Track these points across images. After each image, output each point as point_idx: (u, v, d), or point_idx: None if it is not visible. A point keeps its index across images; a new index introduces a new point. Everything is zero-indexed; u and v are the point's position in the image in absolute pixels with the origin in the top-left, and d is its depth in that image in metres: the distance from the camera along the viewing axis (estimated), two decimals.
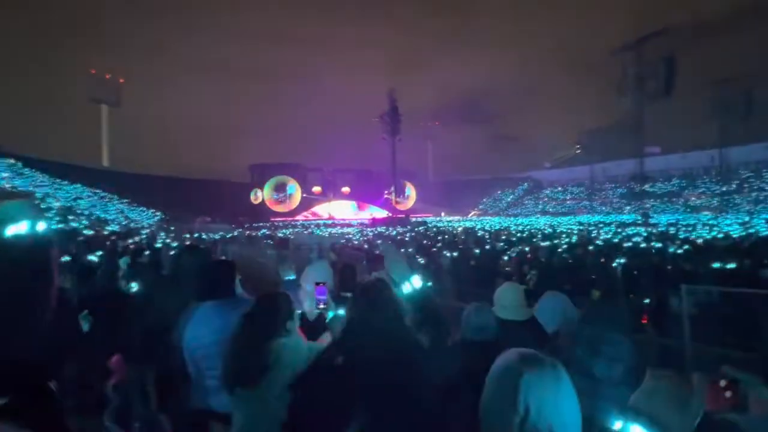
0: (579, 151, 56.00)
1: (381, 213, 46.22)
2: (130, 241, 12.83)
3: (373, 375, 1.16)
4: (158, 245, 9.76)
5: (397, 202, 43.77)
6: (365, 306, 1.34)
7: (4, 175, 28.93)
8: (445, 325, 1.82)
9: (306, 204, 53.95)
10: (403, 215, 39.82)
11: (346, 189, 57.27)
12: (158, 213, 37.39)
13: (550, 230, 18.55)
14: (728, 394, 0.87)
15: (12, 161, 32.13)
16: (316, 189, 55.80)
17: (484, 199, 61.45)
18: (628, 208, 42.25)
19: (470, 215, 52.22)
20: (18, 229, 0.86)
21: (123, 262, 3.99)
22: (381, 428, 1.12)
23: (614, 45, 33.07)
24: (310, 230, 27.30)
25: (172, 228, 22.53)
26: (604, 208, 47.21)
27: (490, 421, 0.83)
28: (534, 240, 12.26)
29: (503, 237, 14.02)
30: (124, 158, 52.20)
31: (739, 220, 23.42)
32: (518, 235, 15.15)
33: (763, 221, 21.51)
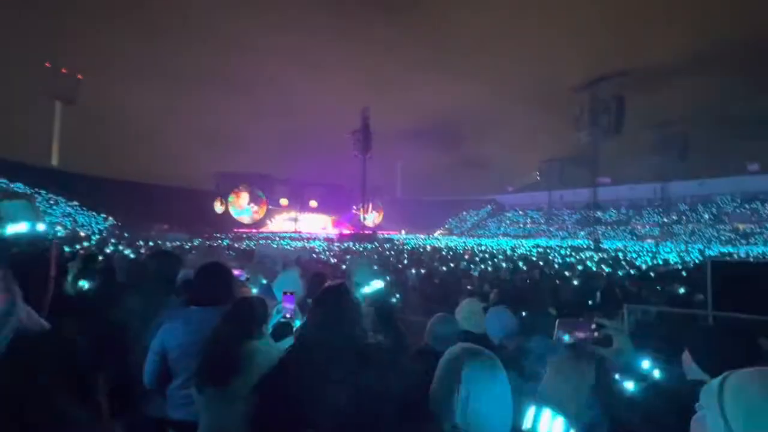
0: (539, 177, 59.17)
1: (348, 228, 46.05)
2: (78, 246, 12.01)
3: (328, 374, 1.22)
4: (107, 251, 9.20)
5: (364, 219, 43.86)
6: (323, 308, 1.39)
7: None
8: (399, 327, 1.90)
9: (272, 216, 52.75)
10: (371, 231, 39.93)
11: (313, 202, 56.74)
12: (110, 218, 35.13)
13: (511, 251, 19.33)
14: (596, 333, 1.33)
15: None
16: (284, 201, 54.82)
17: (450, 219, 63.07)
18: (582, 233, 44.90)
19: (435, 234, 53.22)
20: (17, 228, 0.88)
21: (71, 269, 3.74)
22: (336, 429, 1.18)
23: (573, 84, 35.84)
24: (275, 243, 26.68)
25: (126, 234, 21.24)
26: (560, 233, 49.83)
27: (436, 403, 0.95)
28: (495, 260, 12.73)
29: (467, 256, 14.45)
30: (76, 159, 48.93)
31: (678, 249, 25.59)
32: (481, 254, 15.66)
33: (697, 250, 23.68)
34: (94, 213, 35.31)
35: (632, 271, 9.45)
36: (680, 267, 11.17)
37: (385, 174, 69.83)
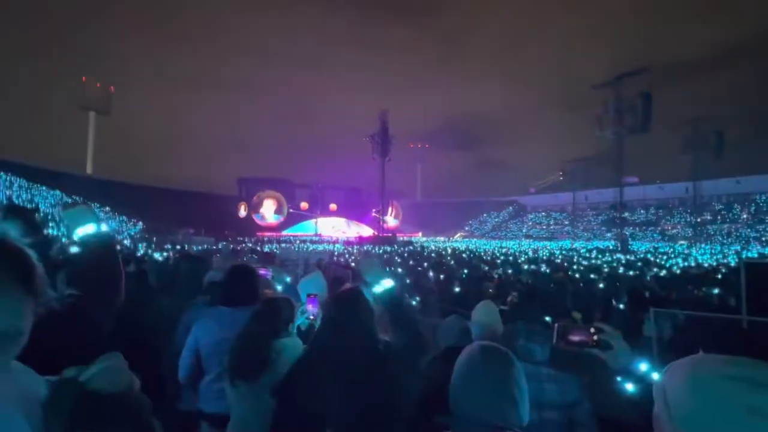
0: (562, 178, 57.72)
1: (368, 231, 46.26)
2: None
3: (343, 374, 1.26)
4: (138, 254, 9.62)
5: (384, 222, 43.95)
6: (337, 311, 1.44)
7: None
8: (415, 324, 1.93)
9: (293, 220, 53.62)
10: (390, 234, 39.97)
11: (333, 206, 57.30)
12: (139, 223, 36.60)
13: (534, 254, 18.93)
14: (595, 336, 1.37)
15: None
16: (304, 205, 55.64)
17: (470, 222, 62.33)
18: (608, 234, 43.44)
19: (456, 237, 52.73)
20: (86, 230, 0.99)
21: None
22: (352, 425, 1.22)
23: (596, 81, 34.87)
24: (296, 246, 27.11)
25: (154, 238, 22.09)
26: (585, 234, 48.39)
27: (457, 399, 0.97)
28: (518, 263, 12.51)
29: (488, 259, 14.25)
30: (109, 166, 51.34)
31: (713, 250, 24.36)
32: (502, 257, 15.42)
33: (733, 252, 22.45)
34: (125, 218, 36.87)
35: (662, 274, 9.09)
36: (714, 269, 10.66)
37: (405, 177, 69.76)
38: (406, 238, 39.54)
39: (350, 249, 23.04)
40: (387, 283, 1.98)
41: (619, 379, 1.23)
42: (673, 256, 18.61)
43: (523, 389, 0.96)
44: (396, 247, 25.48)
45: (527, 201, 64.89)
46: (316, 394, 1.27)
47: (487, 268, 10.57)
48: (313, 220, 53.79)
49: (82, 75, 50.68)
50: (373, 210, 48.95)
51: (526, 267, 10.62)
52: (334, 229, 52.10)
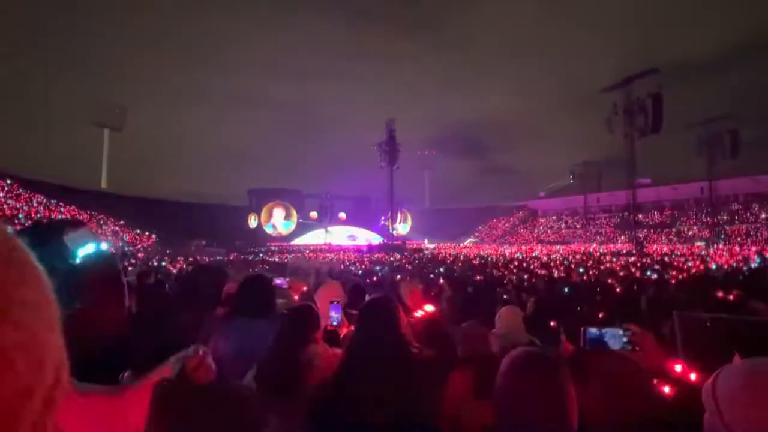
0: (573, 181, 57.09)
1: (377, 239, 46.24)
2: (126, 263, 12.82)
3: (380, 382, 1.25)
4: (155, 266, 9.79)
5: (393, 229, 43.92)
6: (369, 319, 1.45)
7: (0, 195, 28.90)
8: (447, 337, 1.92)
9: (303, 229, 53.92)
10: (399, 242, 39.88)
11: (342, 215, 57.51)
12: (153, 236, 37.19)
13: (547, 258, 18.68)
14: (624, 338, 1.29)
15: (8, 182, 32.18)
16: (313, 214, 55.98)
17: (480, 227, 61.88)
18: (623, 237, 42.68)
19: (466, 243, 52.37)
20: (87, 250, 1.03)
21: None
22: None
23: (605, 83, 34.64)
24: (306, 255, 27.22)
25: (168, 251, 22.40)
26: (598, 237, 47.63)
27: (505, 407, 0.98)
28: (531, 268, 12.36)
29: (500, 265, 14.11)
30: (122, 181, 52.43)
31: (732, 251, 23.73)
32: (515, 262, 15.25)
33: (754, 252, 21.82)
34: (138, 231, 37.52)
35: (680, 276, 8.88)
36: (735, 270, 10.37)
37: (413, 184, 69.74)
38: (416, 245, 39.41)
39: (360, 258, 23.03)
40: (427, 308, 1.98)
41: (654, 381, 1.20)
42: (691, 257, 18.18)
43: (571, 395, 0.95)
44: (406, 255, 25.41)
45: (537, 205, 64.25)
46: (353, 405, 1.27)
47: (500, 273, 10.46)
48: (323, 230, 54.05)
49: (96, 93, 52.12)
50: (382, 218, 48.99)
51: (539, 272, 10.48)
52: (344, 238, 52.24)
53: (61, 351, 0.23)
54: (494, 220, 63.19)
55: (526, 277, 9.26)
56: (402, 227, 53.10)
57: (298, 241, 50.97)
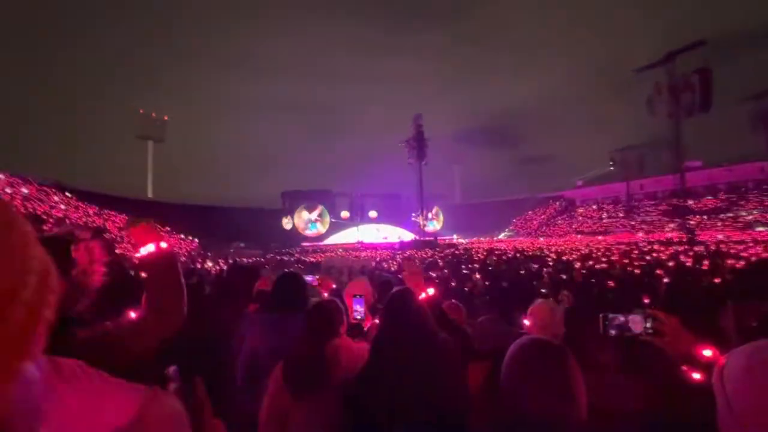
0: (612, 167, 54.15)
1: (409, 236, 46.16)
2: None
3: (408, 369, 1.26)
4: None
5: (424, 226, 43.65)
6: (392, 310, 1.46)
7: (63, 207, 31.55)
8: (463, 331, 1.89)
9: (335, 229, 54.81)
10: (431, 238, 39.59)
11: (373, 213, 57.88)
12: (196, 240, 39.20)
13: (587, 250, 17.86)
14: (647, 323, 1.21)
15: (68, 195, 35.14)
16: (344, 214, 56.74)
17: (514, 220, 60.18)
18: (671, 225, 40.00)
19: (500, 237, 51.13)
20: (148, 249, 1.10)
21: None
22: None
23: (645, 60, 32.51)
24: (339, 254, 27.66)
25: (209, 253, 23.54)
26: (643, 226, 44.92)
27: (511, 398, 0.95)
28: (569, 260, 11.87)
29: (536, 258, 13.65)
30: (166, 189, 55.60)
31: None
32: (552, 255, 14.70)
33: None
34: (182, 236, 39.68)
35: (737, 265, 8.19)
36: None
37: (444, 179, 68.93)
38: (448, 241, 38.96)
39: (393, 254, 23.09)
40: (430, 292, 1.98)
41: (684, 368, 1.12)
42: (750, 244, 16.74)
43: (581, 386, 0.92)
44: (439, 251, 25.18)
45: (575, 195, 61.54)
46: (381, 396, 1.29)
47: (536, 266, 10.12)
48: (355, 228, 54.66)
49: (139, 107, 55.54)
50: (413, 215, 48.84)
51: (578, 264, 10.03)
52: (375, 236, 52.59)
53: (44, 261, 0.26)
54: (529, 213, 61.19)
55: (564, 270, 8.90)
56: (433, 223, 52.66)
57: (331, 240, 51.88)
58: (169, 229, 39.70)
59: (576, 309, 2.55)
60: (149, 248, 1.10)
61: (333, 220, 54.55)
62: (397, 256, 20.74)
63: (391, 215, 56.49)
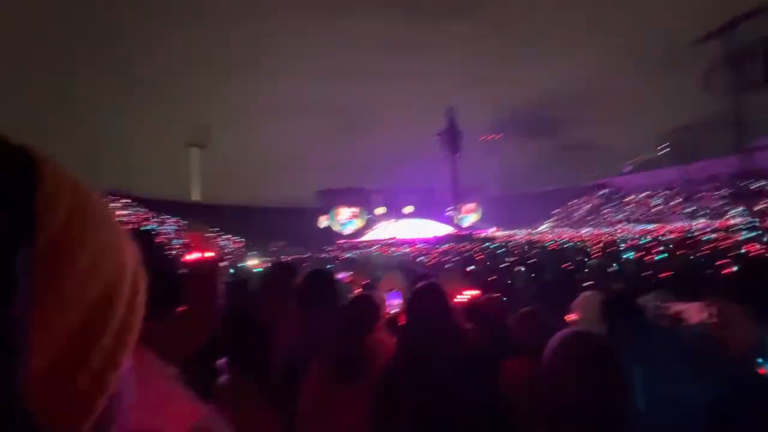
0: (664, 151, 50.31)
1: (444, 230, 45.65)
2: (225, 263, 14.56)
3: (435, 363, 1.25)
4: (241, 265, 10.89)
5: (459, 219, 42.97)
6: (416, 306, 1.46)
7: (124, 212, 34.47)
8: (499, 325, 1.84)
9: (370, 225, 55.35)
10: (468, 232, 38.92)
11: (409, 208, 57.76)
12: (240, 240, 41.16)
13: (637, 240, 16.76)
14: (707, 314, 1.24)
15: (128, 200, 38.30)
16: (380, 210, 57.09)
17: (556, 211, 57.61)
18: (734, 211, 36.55)
19: (540, 228, 49.22)
20: (196, 254, 1.21)
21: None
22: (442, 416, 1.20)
23: (698, 32, 29.77)
24: (375, 251, 27.92)
25: (253, 252, 24.65)
26: (703, 213, 41.40)
27: (554, 395, 0.91)
28: (616, 251, 11.20)
29: (581, 249, 13.01)
30: (212, 193, 58.75)
31: None
32: (599, 246, 13.94)
33: None
34: (228, 236, 41.82)
35: None
36: None
37: (480, 171, 67.30)
38: (485, 235, 38.09)
39: (429, 249, 22.96)
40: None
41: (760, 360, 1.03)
42: None
43: (629, 382, 0.86)
44: (476, 245, 24.68)
45: (622, 182, 57.76)
46: (410, 389, 1.29)
47: (581, 258, 9.65)
48: (390, 224, 54.89)
49: (184, 116, 59.09)
50: (449, 209, 48.20)
51: (627, 255, 9.44)
52: (411, 232, 52.51)
53: (136, 259, 0.27)
54: (572, 202, 58.27)
55: (613, 261, 8.41)
56: (469, 217, 51.70)
57: (367, 237, 52.43)
58: (217, 229, 42.07)
59: (622, 299, 2.40)
60: (197, 254, 1.19)
61: (368, 216, 55.08)
62: (434, 251, 20.59)
63: (427, 210, 56.08)
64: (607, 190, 57.40)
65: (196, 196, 57.83)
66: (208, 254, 1.19)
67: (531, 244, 19.97)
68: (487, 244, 24.56)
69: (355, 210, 54.71)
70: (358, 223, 54.59)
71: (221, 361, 2.72)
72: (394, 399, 1.32)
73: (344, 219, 54.63)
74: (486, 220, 53.25)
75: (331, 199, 55.73)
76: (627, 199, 53.88)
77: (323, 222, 53.63)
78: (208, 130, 60.18)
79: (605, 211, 53.74)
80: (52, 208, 0.18)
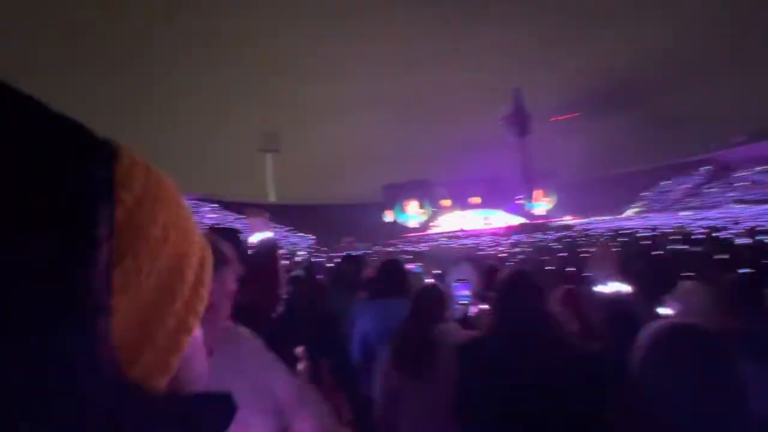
0: None
1: (515, 220, 43.44)
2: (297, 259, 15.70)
3: (521, 362, 1.17)
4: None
5: (531, 208, 40.51)
6: (505, 296, 1.38)
7: (211, 215, 38.76)
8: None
9: (436, 218, 54.83)
10: (542, 221, 36.59)
11: (476, 199, 56.00)
12: (311, 237, 43.63)
13: (752, 222, 14.27)
14: None
15: (215, 205, 42.91)
16: (445, 202, 56.20)
17: (647, 193, 51.31)
18: None
19: (628, 213, 44.36)
20: (262, 236, 1.35)
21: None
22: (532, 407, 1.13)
23: None
24: (442, 243, 27.64)
25: (324, 248, 25.98)
26: None
27: (646, 380, 0.82)
28: (728, 238, 9.65)
29: (678, 236, 11.46)
30: (286, 193, 63.02)
31: None
32: (701, 231, 12.14)
33: None
34: (301, 234, 44.58)
35: None
36: None
37: (555, 154, 62.48)
38: (562, 223, 35.43)
39: (498, 241, 22.08)
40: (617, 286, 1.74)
41: None
42: None
43: (744, 381, 0.74)
44: (551, 234, 23.12)
45: (731, 156, 49.38)
46: (498, 373, 1.25)
47: (679, 245, 8.51)
48: (457, 216, 53.74)
49: (257, 124, 64.03)
50: (519, 197, 45.72)
51: (741, 240, 8.08)
52: (479, 222, 50.85)
53: (203, 237, 0.29)
54: (667, 182, 51.38)
55: (722, 248, 7.26)
56: (542, 204, 48.47)
57: (433, 230, 52.01)
58: (292, 228, 45.13)
59: (739, 290, 2.06)
60: (258, 235, 1.32)
61: (434, 209, 54.55)
62: (504, 242, 19.73)
63: (495, 199, 53.81)
64: (710, 167, 49.54)
65: (272, 197, 62.52)
66: (267, 235, 1.32)
67: (615, 231, 18.11)
68: (563, 233, 22.88)
69: (420, 203, 54.61)
70: (423, 216, 54.44)
71: (299, 349, 2.91)
72: (476, 388, 1.29)
73: (410, 212, 54.86)
74: (561, 207, 49.45)
75: (396, 193, 56.28)
76: (737, 175, 45.96)
77: (389, 216, 54.45)
78: (277, 136, 64.50)
79: (709, 190, 46.47)
80: (128, 184, 0.21)
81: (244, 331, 1.00)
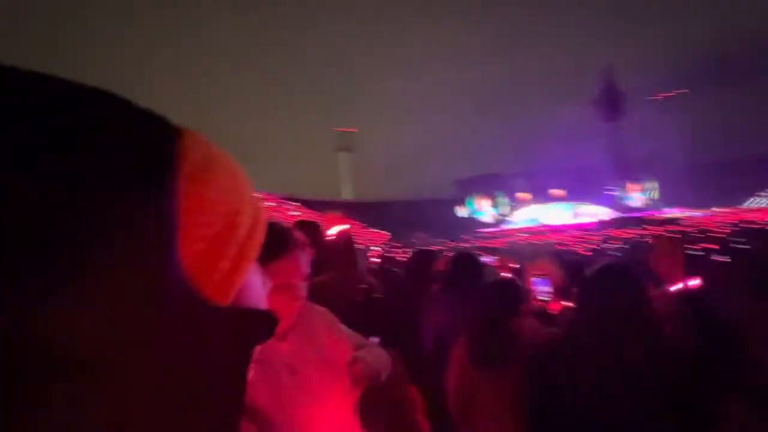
0: None
1: (606, 213, 39.28)
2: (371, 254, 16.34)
3: (606, 357, 1.08)
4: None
5: (626, 200, 36.19)
6: (591, 293, 1.27)
7: (295, 213, 42.13)
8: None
9: (513, 212, 52.15)
10: (640, 214, 32.52)
11: (558, 191, 51.84)
12: (387, 233, 44.74)
13: None
14: None
15: (297, 203, 46.40)
16: (523, 195, 53.07)
17: None
18: None
19: (749, 205, 37.30)
20: (339, 229, 1.51)
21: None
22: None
23: None
24: (520, 238, 26.22)
25: (399, 243, 26.50)
26: None
27: None
28: None
29: None
30: (360, 191, 65.40)
31: None
32: None
33: None
34: (375, 230, 46.00)
35: None
36: None
37: (656, 139, 54.85)
38: (666, 216, 31.03)
39: (586, 236, 20.23)
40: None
41: None
42: None
43: None
44: (651, 229, 20.43)
45: None
46: (579, 369, 1.18)
47: None
48: (537, 210, 50.43)
49: (331, 125, 67.24)
50: (611, 187, 41.21)
51: None
52: (563, 217, 47.04)
53: (257, 204, 0.33)
54: None
55: None
56: (639, 195, 43.02)
57: (510, 224, 49.56)
58: (367, 224, 46.79)
59: None
60: (335, 229, 1.47)
61: (511, 204, 51.86)
62: (594, 238, 18.00)
63: (583, 191, 49.18)
64: None
65: (347, 195, 65.33)
66: (344, 227, 1.45)
67: (736, 226, 15.35)
68: (665, 227, 20.10)
69: (495, 197, 52.41)
70: (498, 211, 52.16)
71: (375, 339, 3.04)
72: (561, 388, 1.24)
73: (484, 207, 53.00)
74: (666, 198, 43.28)
75: (469, 187, 54.80)
76: None
77: (462, 211, 53.29)
78: (353, 135, 67.02)
79: None
80: (192, 153, 0.27)
81: (319, 308, 1.14)
